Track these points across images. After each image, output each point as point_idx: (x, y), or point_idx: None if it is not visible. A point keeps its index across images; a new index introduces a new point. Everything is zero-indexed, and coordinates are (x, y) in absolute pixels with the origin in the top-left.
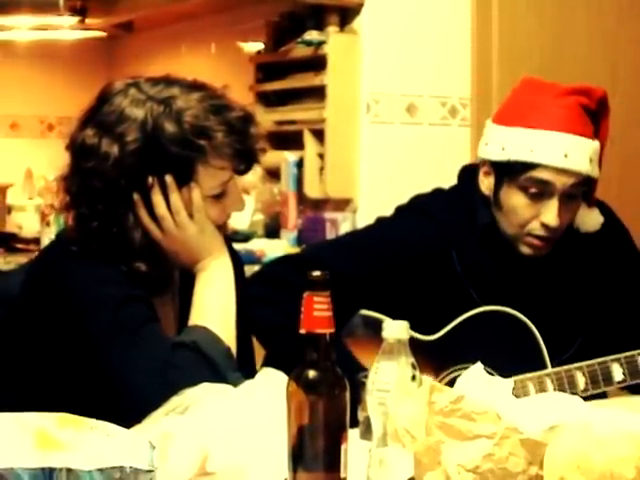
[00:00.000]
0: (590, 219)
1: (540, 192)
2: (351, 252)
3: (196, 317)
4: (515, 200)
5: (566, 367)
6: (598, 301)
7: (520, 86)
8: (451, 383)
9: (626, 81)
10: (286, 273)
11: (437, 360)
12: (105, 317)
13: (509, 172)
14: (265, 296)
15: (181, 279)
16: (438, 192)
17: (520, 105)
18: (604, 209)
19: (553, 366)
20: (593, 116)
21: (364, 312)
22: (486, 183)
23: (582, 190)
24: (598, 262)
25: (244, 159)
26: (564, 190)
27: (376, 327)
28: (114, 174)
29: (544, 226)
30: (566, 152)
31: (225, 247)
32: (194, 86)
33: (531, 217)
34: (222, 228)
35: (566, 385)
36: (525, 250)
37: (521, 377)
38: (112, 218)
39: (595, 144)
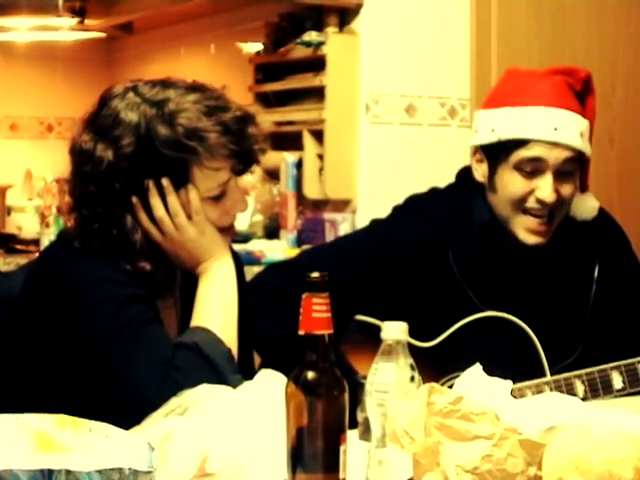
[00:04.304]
0: (585, 205)
1: (533, 170)
2: (346, 256)
3: (198, 319)
4: (509, 179)
5: (565, 375)
6: (600, 306)
7: (505, 75)
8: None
9: (625, 82)
10: (281, 282)
11: (434, 367)
12: (107, 316)
13: (501, 152)
14: (261, 307)
15: (183, 283)
16: (434, 192)
17: (507, 88)
18: (603, 215)
19: (555, 372)
20: (579, 96)
21: (360, 317)
22: (480, 171)
23: (576, 168)
24: (599, 266)
25: (241, 160)
26: (557, 165)
27: (371, 332)
28: (108, 178)
29: (540, 202)
30: (556, 126)
31: (227, 248)
32: (191, 87)
33: (526, 193)
34: (228, 231)
35: (565, 393)
36: (524, 236)
37: (519, 385)
38: (111, 220)
39: (584, 121)
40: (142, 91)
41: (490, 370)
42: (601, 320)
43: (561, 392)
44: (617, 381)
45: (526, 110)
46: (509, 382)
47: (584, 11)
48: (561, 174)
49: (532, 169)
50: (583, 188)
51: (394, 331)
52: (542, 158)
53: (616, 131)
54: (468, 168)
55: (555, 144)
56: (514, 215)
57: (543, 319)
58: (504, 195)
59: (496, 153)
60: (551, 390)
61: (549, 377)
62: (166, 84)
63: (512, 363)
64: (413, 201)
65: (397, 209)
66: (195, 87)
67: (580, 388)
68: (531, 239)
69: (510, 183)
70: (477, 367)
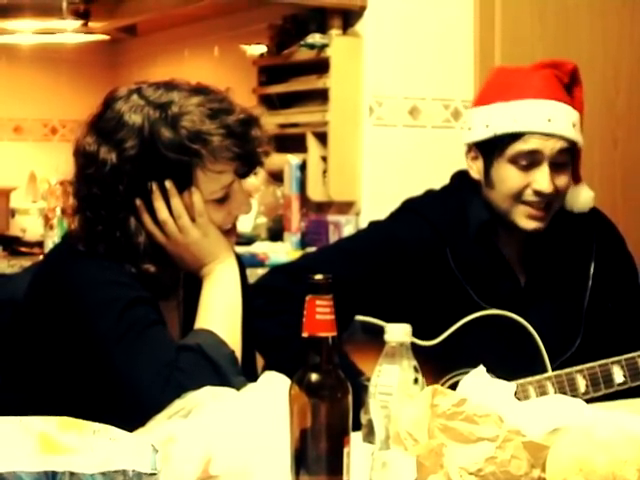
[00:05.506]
0: (580, 195)
1: (529, 163)
2: (346, 256)
3: (202, 321)
4: (505, 173)
5: (567, 370)
6: (596, 302)
7: (494, 73)
8: (452, 389)
9: (629, 83)
10: (283, 283)
11: (437, 366)
12: (111, 318)
13: (496, 147)
14: (264, 308)
15: (185, 285)
16: (429, 193)
17: (497, 85)
18: (597, 214)
19: (554, 366)
20: (567, 88)
21: (363, 318)
22: (475, 168)
23: (569, 159)
24: (595, 263)
25: (245, 162)
26: (552, 156)
27: (375, 333)
28: (112, 180)
29: (537, 193)
30: (549, 117)
31: (231, 250)
32: (195, 90)
33: (523, 186)
34: (230, 233)
35: (567, 388)
36: (524, 223)
37: (522, 381)
38: (114, 223)
39: (575, 112)
40: (146, 93)
41: (491, 366)
42: (597, 315)
43: (563, 387)
44: (618, 375)
45: (519, 104)
46: (512, 384)
47: (588, 13)
48: (556, 165)
49: (528, 162)
50: (576, 179)
51: (397, 333)
52: (538, 150)
53: (620, 133)
54: (463, 171)
55: (550, 135)
56: (513, 206)
57: (541, 314)
58: (501, 190)
59: (491, 148)
60: (553, 385)
61: (551, 373)
62: (170, 86)
63: (513, 359)
64: (409, 203)
65: (394, 211)
66: (199, 89)
67: (581, 383)
68: (530, 224)
69: (507, 178)
70: (481, 369)
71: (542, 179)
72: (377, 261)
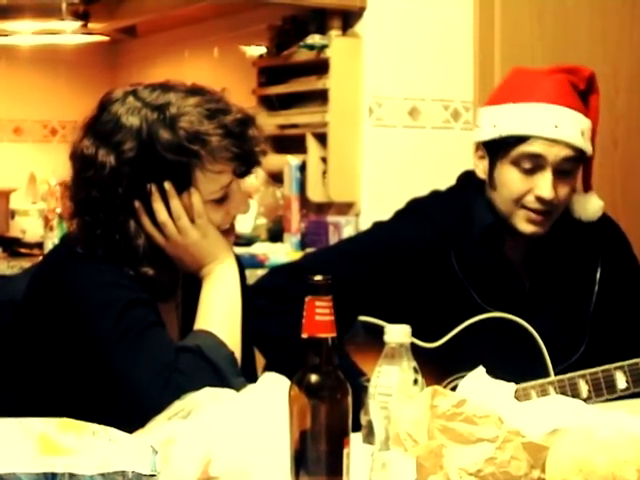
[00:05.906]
0: (589, 205)
1: (533, 167)
2: (349, 257)
3: (201, 322)
4: (508, 175)
5: (569, 375)
6: (601, 307)
7: (510, 73)
8: (454, 391)
9: (629, 83)
10: (284, 283)
11: (439, 368)
12: (110, 320)
13: (501, 148)
14: (265, 308)
15: (184, 288)
16: (435, 194)
17: (510, 86)
18: (604, 217)
19: (557, 372)
20: (582, 95)
21: (365, 318)
22: (481, 167)
23: (576, 166)
24: (601, 267)
25: (243, 162)
26: (557, 163)
27: (378, 333)
28: (111, 183)
29: (539, 200)
30: (556, 123)
31: (231, 251)
32: (191, 91)
33: (525, 191)
34: (229, 233)
35: (569, 393)
36: (523, 226)
37: (524, 385)
38: (114, 226)
39: (586, 120)
40: (142, 95)
41: (494, 370)
42: (603, 321)
43: (565, 392)
44: (621, 381)
45: (527, 106)
46: (512, 385)
47: (587, 13)
48: (560, 173)
49: (531, 166)
50: (587, 187)
51: (397, 334)
52: (542, 155)
53: (620, 133)
54: (469, 172)
55: (555, 141)
56: (513, 210)
57: (545, 319)
58: (503, 192)
59: (497, 149)
60: (555, 390)
61: (553, 377)
62: (166, 88)
63: (516, 363)
64: (414, 203)
65: (399, 212)
66: (195, 90)
67: (584, 388)
68: (529, 228)
69: (509, 181)
70: (480, 370)
71: (544, 185)
72: (380, 262)
